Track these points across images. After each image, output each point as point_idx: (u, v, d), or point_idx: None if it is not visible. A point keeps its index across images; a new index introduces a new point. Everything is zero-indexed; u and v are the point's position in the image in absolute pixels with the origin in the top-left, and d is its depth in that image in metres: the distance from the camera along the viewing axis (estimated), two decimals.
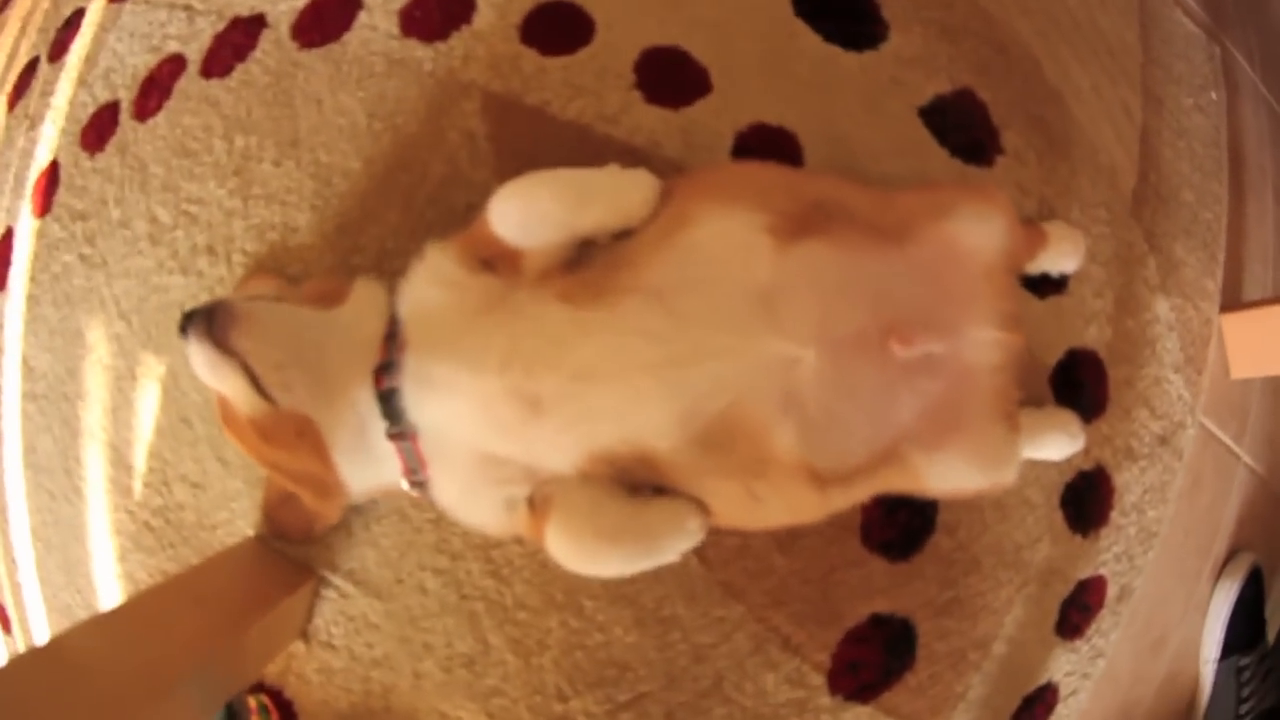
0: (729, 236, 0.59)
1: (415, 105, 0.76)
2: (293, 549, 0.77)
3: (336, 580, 0.76)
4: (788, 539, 0.76)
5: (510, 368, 0.57)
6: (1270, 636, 0.84)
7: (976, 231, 0.67)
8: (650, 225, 0.60)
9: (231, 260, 0.80)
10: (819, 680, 0.78)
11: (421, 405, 0.61)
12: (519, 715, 0.75)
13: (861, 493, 0.67)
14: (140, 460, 0.84)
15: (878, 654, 0.79)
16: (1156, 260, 0.80)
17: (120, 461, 0.86)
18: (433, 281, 0.62)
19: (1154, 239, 0.80)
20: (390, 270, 0.71)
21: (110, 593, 0.88)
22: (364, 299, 0.66)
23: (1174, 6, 0.83)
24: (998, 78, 0.79)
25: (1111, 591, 0.83)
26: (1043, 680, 0.83)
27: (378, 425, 0.62)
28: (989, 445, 0.69)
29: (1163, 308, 0.80)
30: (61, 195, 0.91)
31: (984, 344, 0.66)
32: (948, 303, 0.65)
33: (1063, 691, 0.83)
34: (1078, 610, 0.83)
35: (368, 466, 0.63)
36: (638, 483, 0.60)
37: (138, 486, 0.84)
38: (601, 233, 0.61)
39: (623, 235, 0.62)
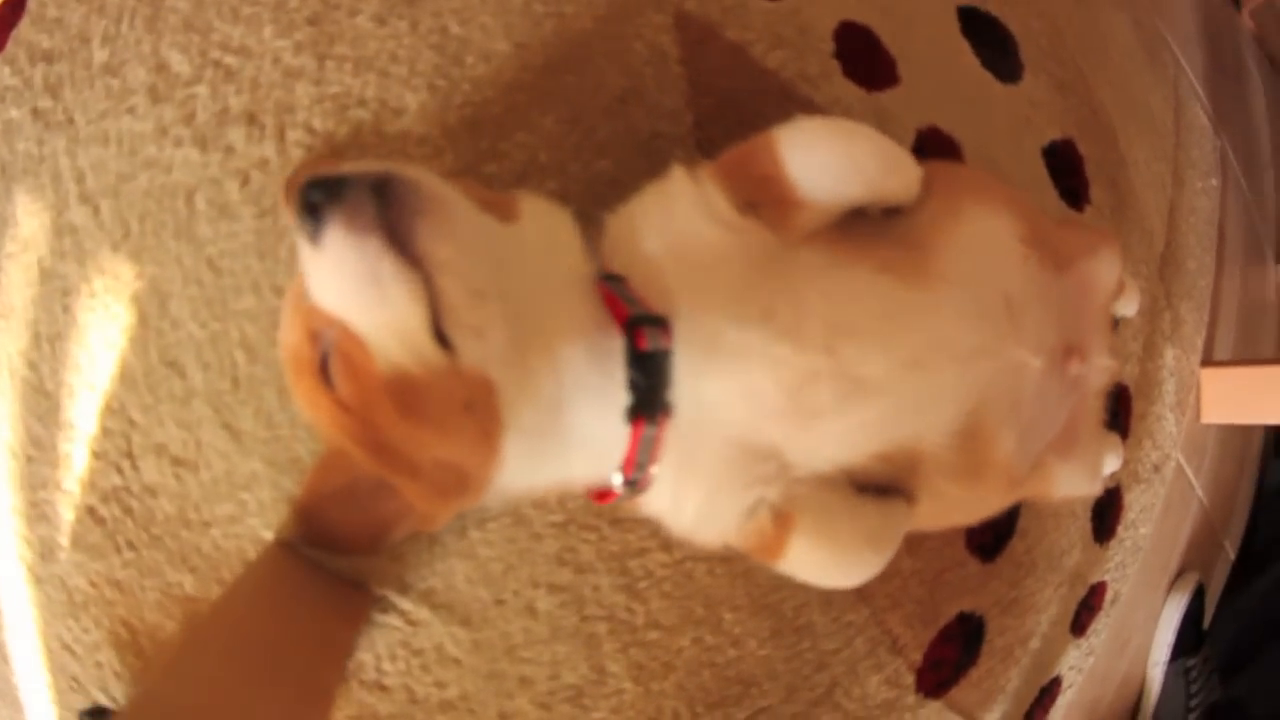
0: (995, 238, 0.59)
1: None
2: (333, 560, 0.57)
3: (405, 604, 0.59)
4: (915, 542, 0.77)
5: (840, 344, 0.48)
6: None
7: (1106, 272, 0.75)
8: (925, 209, 0.58)
9: (285, 138, 0.58)
10: (910, 679, 0.80)
11: (700, 377, 0.47)
12: None
13: (1022, 495, 0.70)
14: (86, 417, 0.59)
15: (957, 651, 0.83)
16: (1170, 315, 0.95)
17: (52, 416, 0.60)
18: (703, 217, 0.49)
19: (1170, 297, 0.95)
20: (541, 192, 0.58)
21: (19, 615, 0.60)
22: (546, 221, 0.50)
23: (1195, 99, 1.01)
24: (1090, 136, 0.89)
25: (1109, 595, 0.96)
26: (1055, 673, 0.93)
27: (590, 399, 0.46)
28: (1097, 457, 0.77)
29: (1169, 356, 0.95)
30: (24, 29, 0.63)
31: (1100, 369, 0.74)
32: (1088, 328, 0.72)
33: (1064, 684, 0.94)
34: (1086, 610, 0.94)
35: (550, 456, 0.47)
36: (869, 483, 0.56)
37: (79, 455, 0.59)
38: (881, 204, 0.56)
39: (891, 213, 0.58)
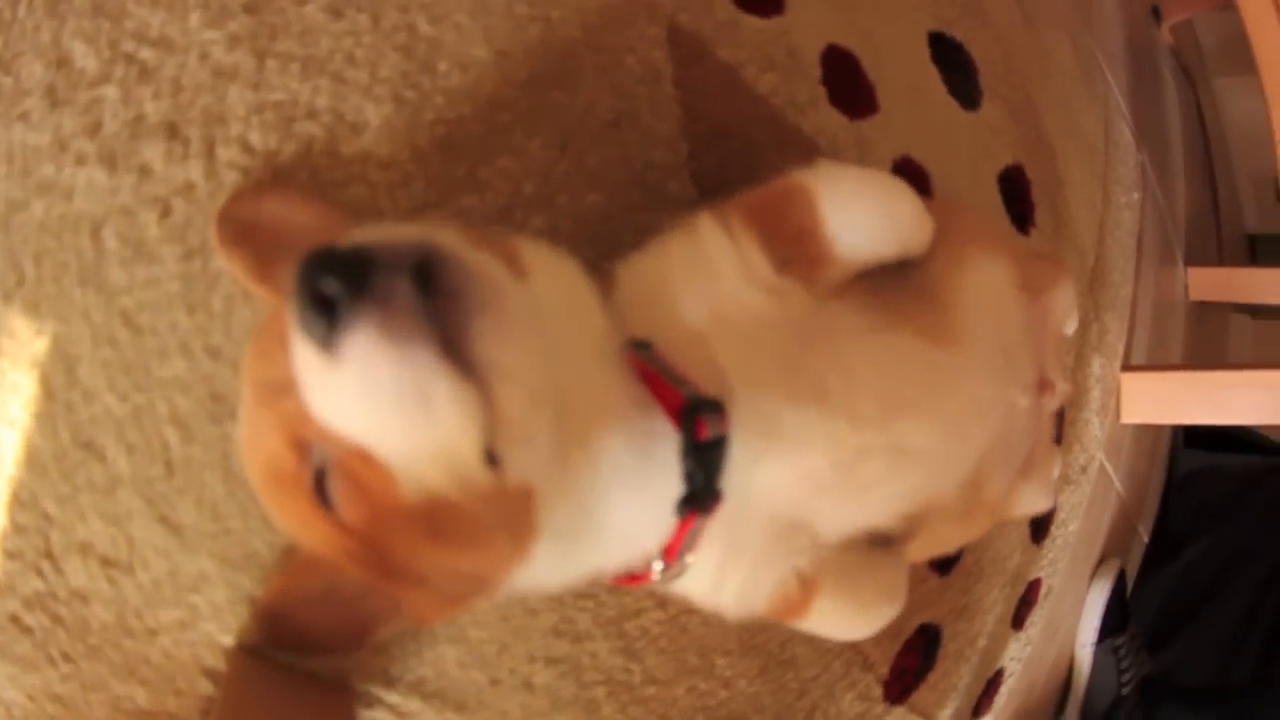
0: (995, 287, 0.59)
1: (583, 1, 0.57)
2: (307, 660, 0.50)
3: (393, 697, 0.53)
4: None
5: (892, 418, 0.46)
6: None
7: (1063, 302, 0.78)
8: (933, 259, 0.57)
9: (215, 157, 0.47)
10: (878, 692, 0.83)
11: (755, 462, 0.43)
12: None
13: (998, 519, 0.73)
14: None
15: (918, 660, 0.87)
16: (1097, 326, 1.02)
17: None
18: (745, 280, 0.45)
19: (1098, 309, 1.02)
20: (526, 230, 0.54)
21: None
22: (559, 276, 0.43)
23: (1120, 117, 1.07)
24: (1037, 160, 0.92)
25: (1044, 590, 1.03)
26: (998, 665, 0.99)
27: (629, 491, 0.41)
28: (1050, 474, 0.81)
29: (1096, 365, 1.02)
30: None
31: (1059, 394, 0.78)
32: (1049, 358, 0.76)
33: (1006, 674, 1.01)
34: (1025, 605, 1.01)
35: (578, 554, 0.42)
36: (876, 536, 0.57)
37: None
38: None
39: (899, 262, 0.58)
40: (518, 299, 0.34)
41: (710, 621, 0.66)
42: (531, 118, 0.55)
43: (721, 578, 0.47)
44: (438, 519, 0.34)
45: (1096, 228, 1.01)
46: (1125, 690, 1.09)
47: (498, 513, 0.35)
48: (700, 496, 0.42)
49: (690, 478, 0.41)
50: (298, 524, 0.38)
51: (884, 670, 0.83)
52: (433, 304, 0.30)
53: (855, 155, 0.71)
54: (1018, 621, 1.01)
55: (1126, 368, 1.05)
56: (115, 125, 0.46)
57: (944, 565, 0.87)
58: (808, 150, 0.68)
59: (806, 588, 0.49)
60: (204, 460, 0.47)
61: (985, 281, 0.57)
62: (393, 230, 0.33)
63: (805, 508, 0.47)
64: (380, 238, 0.32)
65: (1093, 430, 1.03)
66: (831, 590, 0.50)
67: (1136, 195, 1.07)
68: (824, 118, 0.69)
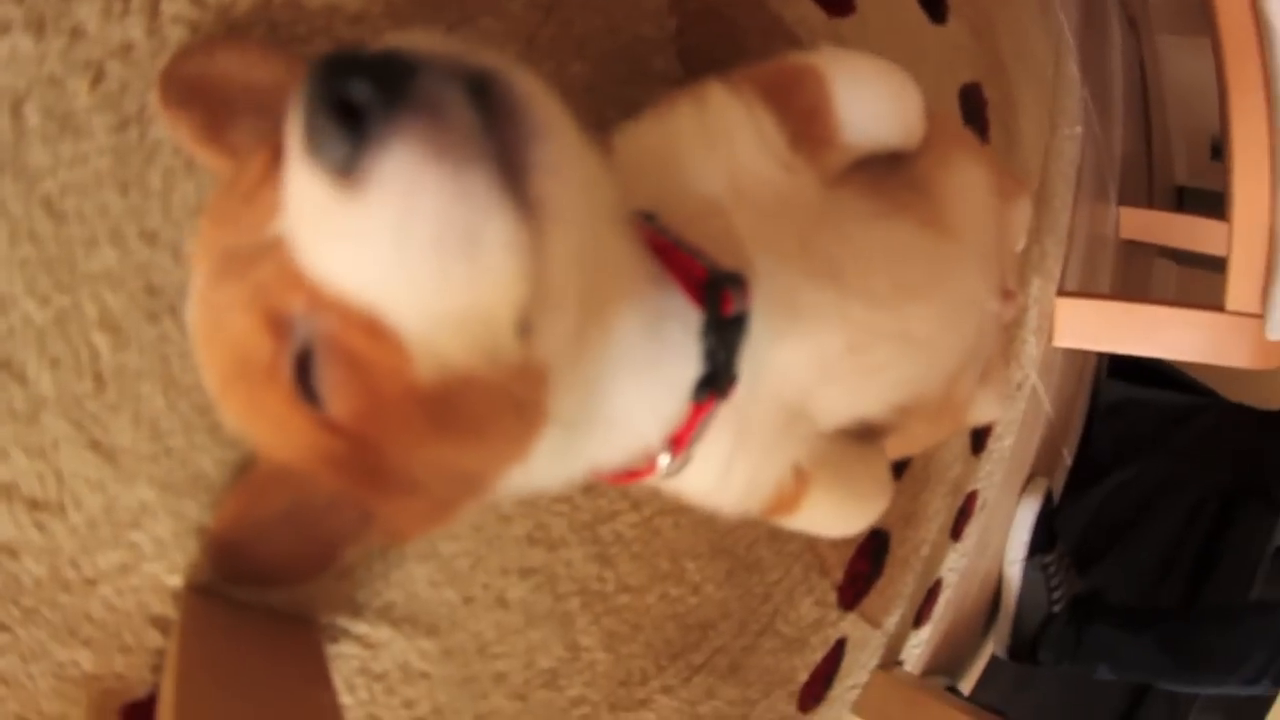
0: (977, 191, 0.60)
1: None
2: (264, 594, 0.45)
3: (360, 627, 0.50)
4: None
5: (904, 303, 0.46)
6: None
7: (1021, 215, 0.81)
8: (922, 157, 0.57)
9: (159, 11, 0.40)
10: (833, 597, 0.86)
11: (774, 341, 0.41)
12: (599, 718, 0.65)
13: (962, 421, 0.76)
14: None
15: (868, 565, 0.90)
16: (1038, 248, 1.06)
17: None
18: (764, 154, 0.43)
19: (1039, 232, 1.06)
20: None
21: None
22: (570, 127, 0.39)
23: (1069, 52, 1.10)
24: (993, 81, 0.94)
25: (979, 502, 1.09)
26: (938, 575, 1.05)
27: (640, 374, 0.37)
28: (1001, 383, 0.85)
29: (1035, 284, 1.07)
30: None
31: (1015, 304, 0.82)
32: (1008, 269, 0.79)
33: (944, 584, 1.07)
34: (963, 516, 1.06)
35: (580, 446, 0.37)
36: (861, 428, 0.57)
37: None
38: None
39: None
40: (572, 133, 0.29)
41: (681, 524, 0.66)
42: None
43: (729, 469, 0.44)
44: (450, 404, 0.29)
45: (1042, 153, 1.04)
46: (1056, 608, 1.17)
47: (514, 394, 0.30)
48: (719, 377, 0.39)
49: (712, 357, 0.38)
50: (269, 427, 0.32)
51: (839, 575, 0.86)
52: (491, 123, 0.25)
53: None
54: (956, 532, 1.07)
55: (1062, 292, 1.10)
56: None
57: (895, 470, 0.90)
58: (790, 41, 0.66)
59: (801, 480, 0.49)
60: (139, 368, 0.41)
61: (969, 182, 0.57)
62: (433, 40, 0.26)
63: (811, 393, 0.46)
64: (426, 45, 0.25)
65: (1029, 349, 1.08)
66: (826, 483, 0.50)
67: (1079, 129, 1.12)
68: (804, 10, 0.68)
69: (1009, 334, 1.03)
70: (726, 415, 0.42)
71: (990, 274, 0.60)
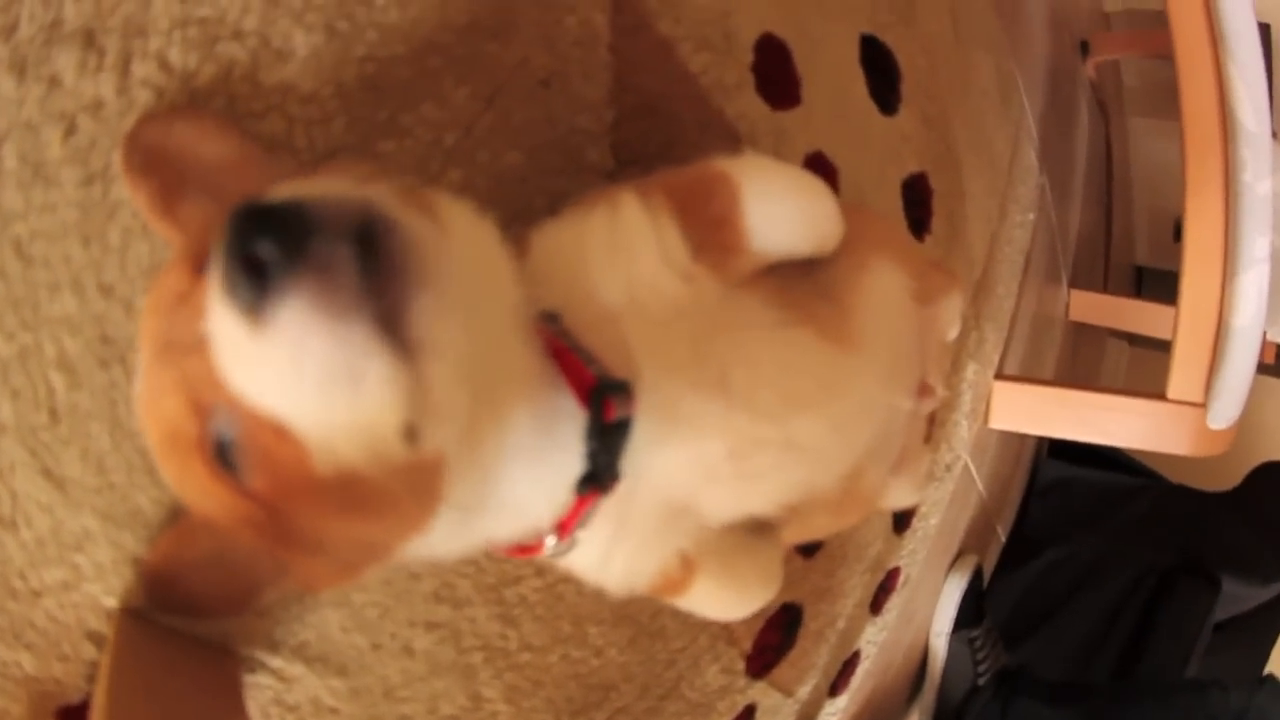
0: (892, 294, 0.63)
1: None
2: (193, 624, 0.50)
3: (276, 662, 0.54)
4: None
5: (790, 415, 0.49)
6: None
7: (950, 310, 0.85)
8: (839, 261, 0.60)
9: (130, 73, 0.44)
10: (741, 666, 0.89)
11: (654, 445, 0.45)
12: None
13: (871, 509, 0.80)
14: None
15: (779, 637, 0.94)
16: (976, 335, 1.11)
17: None
18: (661, 263, 0.46)
19: (979, 319, 1.11)
20: (441, 184, 0.53)
21: None
22: (477, 239, 0.41)
23: (1029, 140, 1.16)
24: (942, 170, 0.99)
25: (902, 579, 1.13)
26: (855, 647, 1.09)
27: (530, 466, 0.41)
28: (918, 472, 0.90)
29: (970, 370, 1.12)
30: None
31: (936, 398, 0.86)
32: (931, 362, 0.83)
33: (863, 656, 1.10)
34: (883, 592, 1.10)
35: (476, 525, 0.43)
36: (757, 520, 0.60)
37: None
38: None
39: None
40: (453, 271, 0.34)
41: (584, 591, 0.69)
42: (463, 66, 0.54)
43: (609, 555, 0.49)
44: (346, 491, 0.33)
45: (988, 241, 1.09)
46: (981, 680, 1.20)
47: (408, 484, 0.35)
48: (600, 476, 0.43)
49: (594, 457, 0.42)
50: (194, 489, 0.37)
51: (747, 645, 0.89)
52: (373, 277, 0.30)
53: (771, 145, 0.74)
54: (876, 607, 1.10)
55: (999, 376, 1.15)
56: (32, 28, 0.41)
57: (809, 548, 0.94)
58: (727, 135, 0.70)
59: (687, 567, 0.53)
60: (90, 409, 0.45)
61: (884, 288, 0.61)
62: (332, 186, 0.32)
63: (695, 493, 0.49)
64: (319, 194, 0.30)
65: (961, 432, 1.13)
66: (712, 571, 0.54)
67: (1032, 215, 1.17)
68: (747, 104, 0.72)
69: (935, 420, 1.07)
70: (610, 507, 0.46)
71: (900, 377, 0.63)
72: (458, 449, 0.36)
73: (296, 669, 0.55)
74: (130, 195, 0.43)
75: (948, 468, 1.14)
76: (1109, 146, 1.67)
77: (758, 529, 0.60)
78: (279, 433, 0.32)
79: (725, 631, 0.86)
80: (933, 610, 1.21)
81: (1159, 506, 1.42)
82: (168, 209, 0.43)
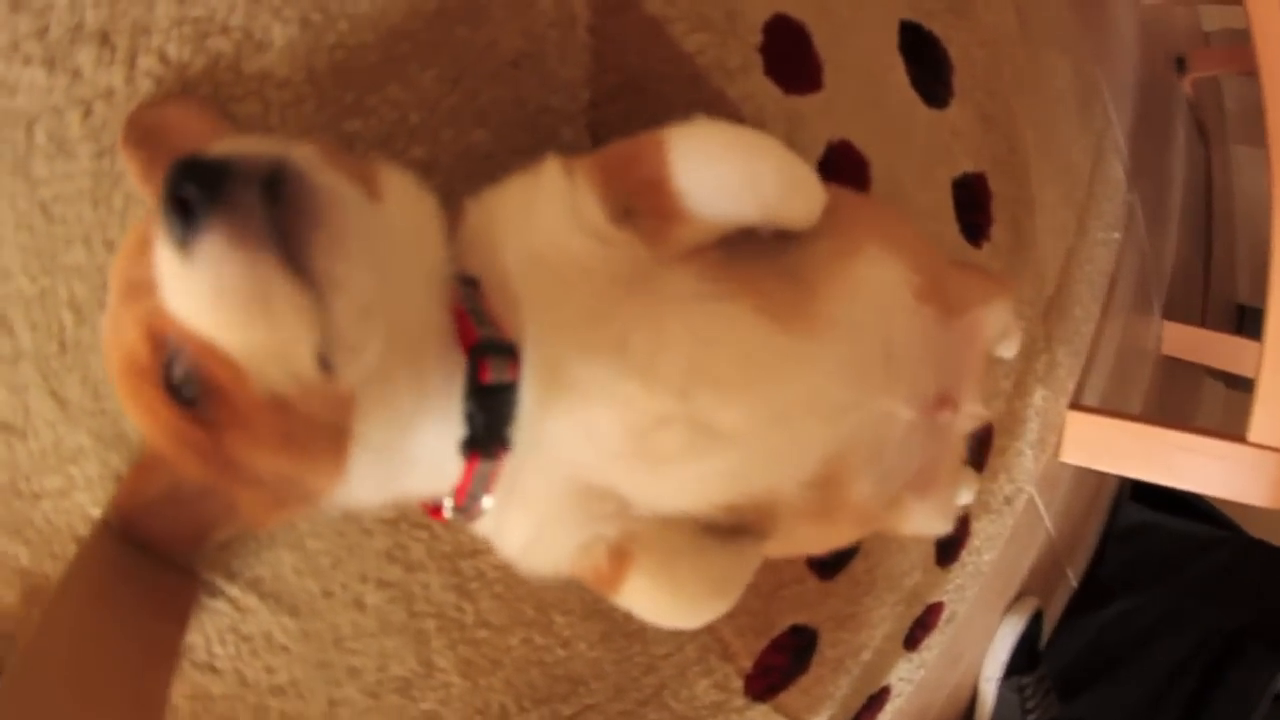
0: (886, 286, 0.57)
1: None
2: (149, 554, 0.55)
3: (233, 590, 0.59)
4: None
5: (696, 389, 0.45)
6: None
7: (995, 320, 0.77)
8: (817, 242, 0.56)
9: (136, 65, 0.52)
10: (739, 684, 0.85)
11: (542, 413, 0.44)
12: None
13: (873, 529, 0.74)
14: None
15: (787, 660, 0.88)
16: (1046, 358, 1.01)
17: None
18: (570, 224, 0.45)
19: (1050, 340, 1.01)
20: (404, 160, 0.55)
21: None
22: (411, 205, 0.44)
23: (1116, 153, 1.05)
24: (1004, 173, 0.91)
25: (945, 615, 1.04)
26: (884, 683, 1.01)
27: (433, 422, 0.43)
28: (951, 497, 0.82)
29: (1038, 396, 1.01)
30: None
31: (969, 415, 0.78)
32: (965, 376, 0.75)
33: (893, 693, 1.02)
34: (920, 627, 1.02)
35: (390, 474, 0.44)
36: (715, 521, 0.54)
37: None
38: (774, 227, 0.52)
39: (783, 235, 0.56)
40: (359, 218, 0.38)
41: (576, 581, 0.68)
42: (430, 50, 0.57)
43: (505, 525, 0.48)
44: (278, 416, 0.38)
45: (1063, 256, 0.99)
46: None
47: (326, 417, 0.39)
48: (482, 440, 0.43)
49: (470, 419, 0.43)
50: (147, 414, 0.41)
51: (746, 663, 0.85)
52: (278, 215, 0.35)
53: (783, 129, 0.71)
54: (912, 642, 1.02)
55: (1075, 406, 1.04)
56: (59, 30, 0.51)
57: (826, 568, 0.88)
58: (730, 116, 0.68)
59: (619, 560, 0.50)
60: (91, 343, 0.53)
61: (875, 278, 0.55)
62: (254, 144, 0.37)
63: (599, 472, 0.47)
64: (240, 150, 0.36)
65: (1024, 462, 1.03)
66: (647, 568, 0.50)
67: (1117, 235, 1.06)
68: (754, 86, 0.69)
69: (991, 446, 0.98)
70: (508, 477, 0.46)
71: (894, 379, 0.57)
72: (368, 388, 0.39)
73: (251, 600, 0.59)
74: (128, 168, 0.50)
75: (1007, 500, 1.04)
76: (1209, 173, 1.48)
77: (726, 534, 0.57)
78: (220, 358, 0.37)
79: (718, 645, 0.82)
80: (983, 652, 1.11)
81: (1234, 562, 1.26)
82: (151, 175, 0.48)
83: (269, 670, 0.60)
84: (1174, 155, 1.28)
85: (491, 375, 0.42)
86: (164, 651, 0.53)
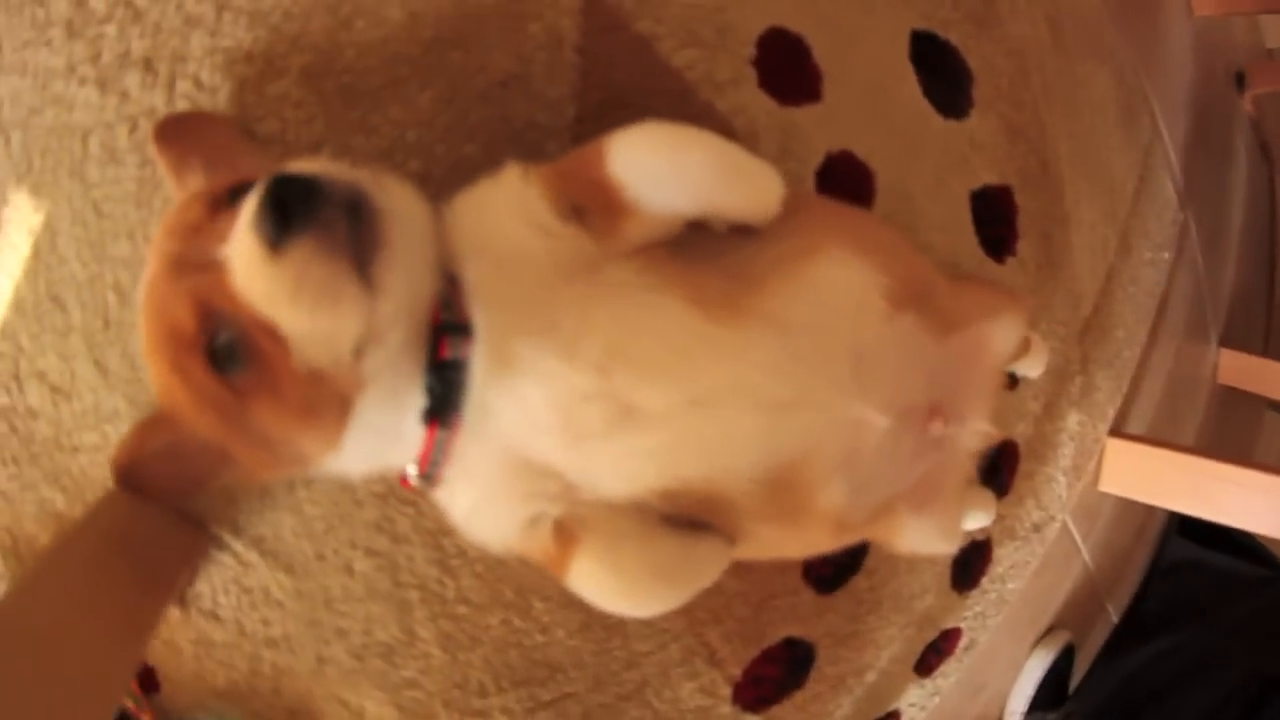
0: (851, 288, 0.58)
1: None
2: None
3: (237, 545, 0.66)
4: (742, 565, 0.80)
5: (615, 368, 0.49)
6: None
7: (1003, 336, 0.75)
8: (777, 242, 0.56)
9: (174, 89, 0.61)
10: (726, 692, 0.85)
11: (490, 389, 0.50)
12: (433, 709, 0.72)
13: (857, 538, 0.73)
14: None
15: (780, 672, 0.88)
16: (1082, 380, 0.96)
17: None
18: (519, 220, 0.51)
19: (1086, 362, 0.96)
20: (403, 172, 0.61)
21: None
22: (414, 212, 0.51)
23: (1166, 169, 0.99)
24: (1033, 188, 0.88)
25: (963, 642, 1.00)
26: (891, 707, 0.98)
27: (410, 399, 0.50)
28: (954, 516, 0.79)
29: (1072, 420, 0.97)
30: None
31: (974, 432, 0.75)
32: (968, 392, 0.73)
33: (904, 717, 1.00)
34: (934, 653, 0.99)
35: (378, 447, 0.52)
36: (674, 514, 0.57)
37: None
38: (723, 221, 0.55)
39: (738, 233, 0.57)
40: (405, 238, 0.47)
41: (529, 562, 0.71)
42: (427, 73, 0.63)
43: (453, 493, 0.53)
44: (304, 388, 0.46)
45: (1102, 276, 0.95)
46: None
47: (342, 392, 0.47)
48: (438, 410, 0.50)
49: (430, 391, 0.49)
50: (178, 375, 0.48)
51: (735, 671, 0.85)
52: (357, 235, 0.44)
53: (778, 140, 0.72)
54: (925, 668, 0.99)
55: (1116, 433, 0.99)
56: (110, 56, 0.60)
57: (824, 583, 0.87)
58: (721, 129, 0.69)
59: (565, 541, 0.53)
60: (132, 323, 0.62)
61: (835, 278, 0.56)
62: (334, 169, 0.46)
63: (535, 447, 0.51)
64: (326, 173, 0.44)
65: (1056, 489, 0.98)
66: (593, 550, 0.53)
67: (1167, 255, 0.99)
68: (746, 98, 0.70)
69: (1017, 469, 0.95)
70: (460, 448, 0.51)
71: (863, 384, 0.57)
72: (378, 373, 0.47)
73: (253, 556, 0.66)
74: (158, 160, 0.58)
75: (1036, 527, 1.00)
76: (1273, 193, 1.35)
77: (686, 528, 0.58)
78: (272, 334, 0.45)
79: (703, 648, 0.83)
80: (1008, 685, 1.06)
81: (1277, 604, 1.13)
82: (180, 172, 0.57)
83: (265, 623, 0.67)
84: (1234, 174, 1.18)
85: (449, 352, 0.49)
86: (162, 585, 0.62)
